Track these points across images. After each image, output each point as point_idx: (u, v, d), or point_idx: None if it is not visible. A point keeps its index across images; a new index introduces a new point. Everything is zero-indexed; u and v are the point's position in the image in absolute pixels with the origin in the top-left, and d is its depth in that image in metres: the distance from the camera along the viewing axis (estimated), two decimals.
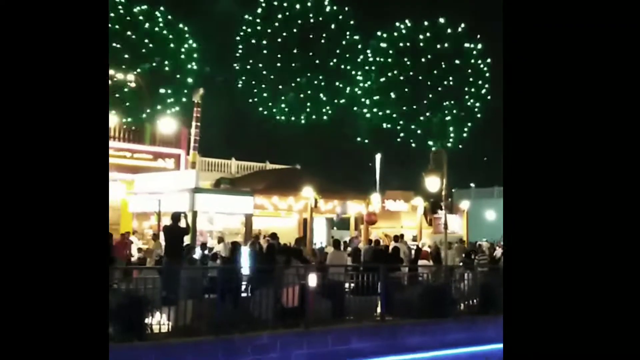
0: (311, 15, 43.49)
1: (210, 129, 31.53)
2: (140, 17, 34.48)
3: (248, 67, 44.02)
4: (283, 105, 44.59)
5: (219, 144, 37.81)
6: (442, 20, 43.72)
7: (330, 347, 12.33)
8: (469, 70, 43.51)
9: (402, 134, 43.91)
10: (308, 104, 44.35)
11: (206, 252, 17.57)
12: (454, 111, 43.35)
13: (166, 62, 34.67)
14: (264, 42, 43.12)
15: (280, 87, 43.93)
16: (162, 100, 34.21)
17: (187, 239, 15.02)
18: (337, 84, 43.94)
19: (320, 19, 43.71)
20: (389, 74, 43.60)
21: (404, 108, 43.18)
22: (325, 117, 44.81)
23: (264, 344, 11.55)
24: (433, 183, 16.87)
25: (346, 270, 14.71)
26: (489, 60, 43.88)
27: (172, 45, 35.43)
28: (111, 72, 27.43)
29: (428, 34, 43.33)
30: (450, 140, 43.50)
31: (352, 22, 44.36)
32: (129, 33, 33.58)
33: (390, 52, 43.96)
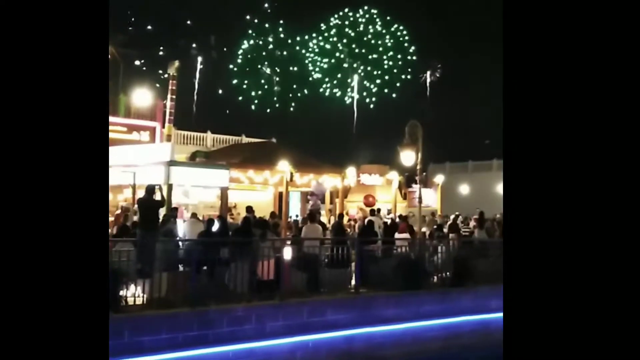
0: None
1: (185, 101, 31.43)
2: None
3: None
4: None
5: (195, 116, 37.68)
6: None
7: (305, 319, 12.44)
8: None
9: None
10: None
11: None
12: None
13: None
14: None
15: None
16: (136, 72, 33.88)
17: (162, 212, 14.94)
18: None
19: None
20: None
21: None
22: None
23: (239, 316, 11.61)
24: (408, 157, 16.91)
25: (321, 243, 14.79)
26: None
27: None
28: None
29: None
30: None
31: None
32: None
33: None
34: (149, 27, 44.06)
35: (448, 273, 15.92)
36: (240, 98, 48.03)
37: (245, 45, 50.20)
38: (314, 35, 53.34)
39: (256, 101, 48.04)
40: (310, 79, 51.86)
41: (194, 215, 17.87)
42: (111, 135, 25.77)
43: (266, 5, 50.47)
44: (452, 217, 23.32)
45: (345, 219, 22.23)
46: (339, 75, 53.41)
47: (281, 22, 51.54)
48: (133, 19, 44.44)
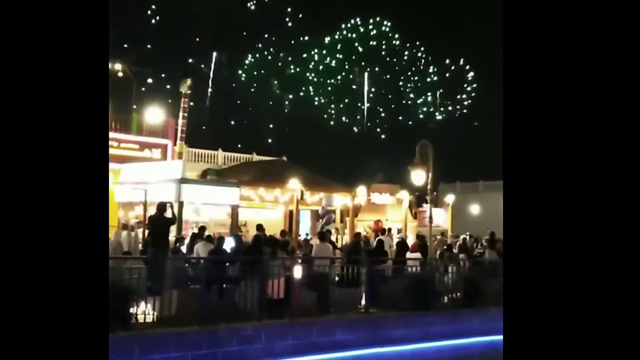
0: None
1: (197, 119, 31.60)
2: None
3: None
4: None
5: (206, 134, 37.87)
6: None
7: (314, 339, 12.39)
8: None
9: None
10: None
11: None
12: None
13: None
14: None
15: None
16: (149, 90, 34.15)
17: (172, 229, 14.99)
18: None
19: None
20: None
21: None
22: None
23: (249, 334, 11.59)
24: (418, 176, 16.91)
25: (332, 262, 14.76)
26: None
27: None
28: None
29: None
30: None
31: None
32: None
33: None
34: (160, 45, 44.47)
35: (458, 294, 15.83)
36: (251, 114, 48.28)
37: (251, 60, 50.26)
38: (317, 51, 52.75)
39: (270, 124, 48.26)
40: (316, 102, 51.61)
41: (208, 237, 17.70)
42: (123, 152, 25.96)
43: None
44: (462, 237, 23.25)
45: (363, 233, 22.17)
46: (346, 100, 53.16)
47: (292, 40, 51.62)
48: (144, 37, 44.93)
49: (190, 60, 41.85)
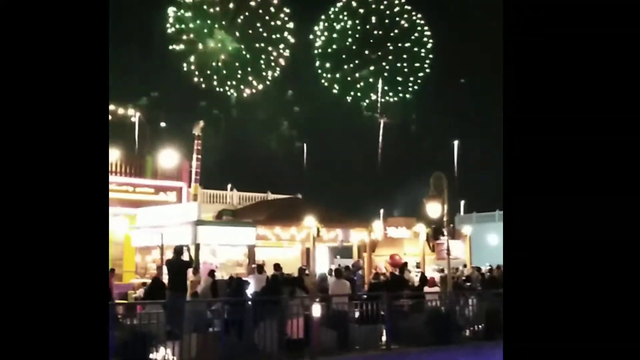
0: None
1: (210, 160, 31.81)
2: None
3: None
4: None
5: (220, 175, 38.06)
6: None
7: None
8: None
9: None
10: None
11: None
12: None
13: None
14: None
15: None
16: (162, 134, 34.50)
17: (190, 272, 14.97)
18: None
19: None
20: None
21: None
22: None
23: None
24: (434, 209, 16.86)
25: (350, 299, 14.66)
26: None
27: None
28: (111, 107, 27.60)
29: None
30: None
31: None
32: None
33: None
34: (171, 89, 45.11)
35: (480, 326, 15.64)
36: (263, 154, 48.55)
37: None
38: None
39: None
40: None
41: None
42: (138, 197, 26.12)
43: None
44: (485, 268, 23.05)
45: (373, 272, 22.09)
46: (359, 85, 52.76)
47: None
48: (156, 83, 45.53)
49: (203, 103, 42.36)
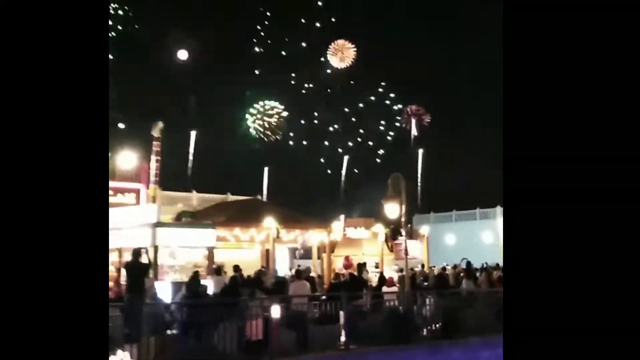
0: None
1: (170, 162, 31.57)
2: None
3: None
4: None
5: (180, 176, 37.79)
6: None
7: None
8: None
9: None
10: None
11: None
12: None
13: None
14: None
15: None
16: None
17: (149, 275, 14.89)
18: None
19: None
20: None
21: None
22: None
23: None
24: (392, 209, 17.02)
25: (309, 300, 14.75)
26: None
27: None
28: None
29: None
30: None
31: None
32: None
33: None
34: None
35: (437, 325, 15.87)
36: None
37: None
38: None
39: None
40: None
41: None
42: None
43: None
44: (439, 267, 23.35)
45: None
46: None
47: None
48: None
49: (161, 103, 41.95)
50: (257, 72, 53.83)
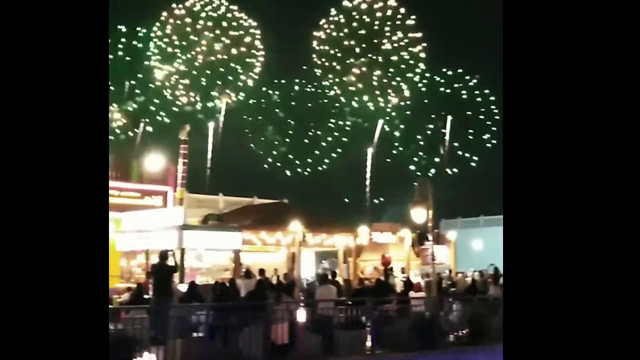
0: None
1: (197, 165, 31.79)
2: None
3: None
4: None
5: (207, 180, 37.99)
6: None
7: None
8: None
9: None
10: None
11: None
12: None
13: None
14: None
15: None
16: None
17: (175, 277, 14.97)
18: None
19: None
20: None
21: None
22: None
23: None
24: (419, 214, 16.93)
25: (336, 304, 14.70)
26: None
27: None
28: None
29: None
30: None
31: None
32: None
33: None
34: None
35: (464, 331, 15.74)
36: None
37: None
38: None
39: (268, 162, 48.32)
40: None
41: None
42: (124, 201, 26.05)
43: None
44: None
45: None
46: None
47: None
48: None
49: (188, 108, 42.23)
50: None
